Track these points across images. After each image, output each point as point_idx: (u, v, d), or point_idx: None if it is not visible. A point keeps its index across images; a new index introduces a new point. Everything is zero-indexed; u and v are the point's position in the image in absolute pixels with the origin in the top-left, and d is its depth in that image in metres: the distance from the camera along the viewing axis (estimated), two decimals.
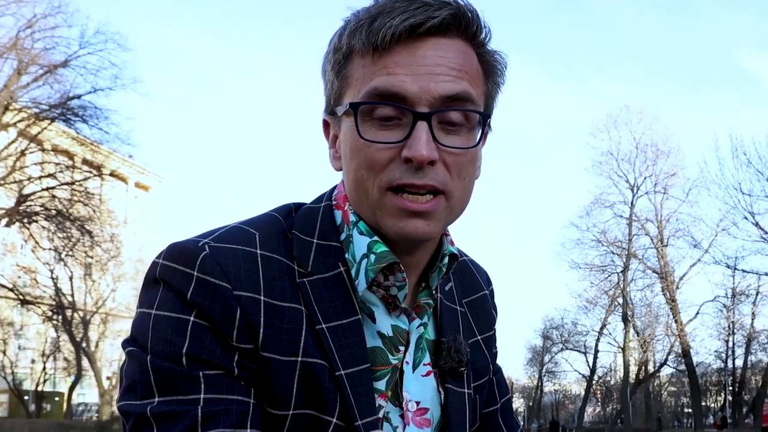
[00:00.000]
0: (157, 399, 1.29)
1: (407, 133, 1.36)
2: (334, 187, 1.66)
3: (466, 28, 1.43)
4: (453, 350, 1.60)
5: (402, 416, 1.55)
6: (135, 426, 1.30)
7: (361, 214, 1.54)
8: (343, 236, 1.57)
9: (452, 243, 1.67)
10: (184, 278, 1.36)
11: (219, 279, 1.35)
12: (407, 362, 1.60)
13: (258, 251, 1.43)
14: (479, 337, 1.85)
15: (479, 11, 1.45)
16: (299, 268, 1.48)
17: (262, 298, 1.38)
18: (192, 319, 1.33)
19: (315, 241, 1.53)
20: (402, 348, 1.58)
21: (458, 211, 1.55)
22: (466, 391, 1.69)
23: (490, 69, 1.53)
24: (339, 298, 1.48)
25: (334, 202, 1.62)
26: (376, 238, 1.50)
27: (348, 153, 1.48)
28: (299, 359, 1.39)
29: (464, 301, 1.85)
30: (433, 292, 1.67)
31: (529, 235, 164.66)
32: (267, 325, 1.37)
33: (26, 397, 73.09)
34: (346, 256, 1.54)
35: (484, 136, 1.57)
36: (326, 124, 1.62)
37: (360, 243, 1.52)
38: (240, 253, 1.41)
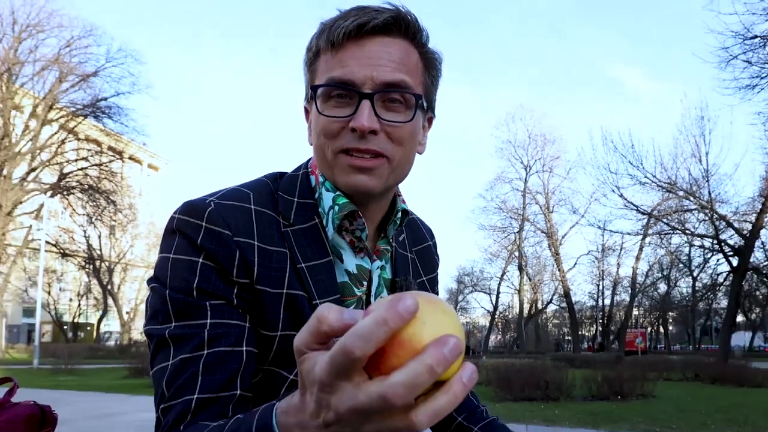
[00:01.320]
0: (173, 324, 1.39)
1: (354, 109, 1.47)
2: (310, 158, 1.76)
3: (407, 29, 1.53)
4: (405, 288, 1.74)
5: None
6: (156, 345, 1.41)
7: (323, 173, 1.64)
8: (316, 195, 1.65)
9: (404, 202, 1.77)
10: (195, 228, 1.44)
11: (222, 228, 1.44)
12: (372, 296, 1.71)
13: (252, 207, 1.53)
14: (425, 278, 1.98)
15: (417, 17, 1.57)
16: (284, 221, 1.57)
17: (255, 243, 1.48)
18: (201, 260, 1.42)
19: (295, 200, 1.62)
20: (365, 283, 1.69)
21: (400, 173, 1.63)
22: None
23: (428, 64, 1.62)
24: (315, 243, 1.57)
25: (309, 169, 1.72)
26: (338, 193, 1.59)
27: (313, 126, 1.59)
28: (285, 291, 1.49)
29: (414, 250, 1.96)
30: (390, 241, 1.77)
31: (447, 205, 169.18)
32: (260, 264, 1.47)
33: (65, 327, 76.56)
34: (319, 210, 1.63)
35: (427, 121, 1.76)
36: (306, 111, 1.71)
37: (327, 198, 1.61)
38: (238, 208, 1.51)
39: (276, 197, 1.62)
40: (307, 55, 1.62)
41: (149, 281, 1.51)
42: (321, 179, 1.64)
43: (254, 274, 1.46)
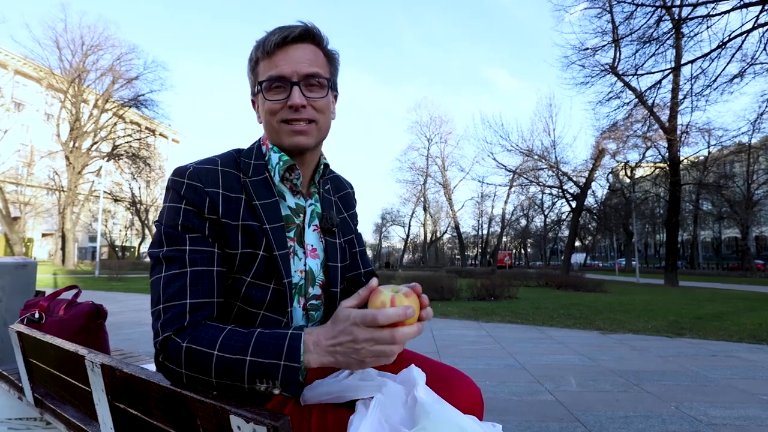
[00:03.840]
0: (165, 248, 1.43)
1: (288, 93, 1.54)
2: (261, 137, 1.74)
3: (313, 38, 1.59)
4: (327, 219, 1.75)
5: (304, 253, 1.68)
6: (154, 263, 1.45)
7: (271, 141, 1.65)
8: (266, 158, 1.66)
9: (325, 158, 1.78)
10: (180, 184, 1.48)
11: (197, 183, 1.48)
12: (306, 224, 1.72)
13: (219, 168, 1.55)
14: (346, 214, 1.98)
15: (320, 29, 1.62)
16: (243, 176, 1.59)
17: (221, 191, 1.50)
18: (183, 206, 1.46)
19: (252, 161, 1.64)
20: (301, 215, 1.70)
21: (324, 133, 1.67)
22: (337, 241, 1.81)
23: (330, 59, 1.66)
24: (266, 189, 1.60)
25: (261, 142, 1.71)
26: (282, 153, 1.62)
27: (262, 109, 1.62)
28: (240, 223, 1.51)
29: (336, 196, 1.95)
30: (318, 186, 1.79)
31: (377, 165, 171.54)
32: (223, 205, 1.49)
33: (116, 248, 77.43)
34: (268, 167, 1.64)
35: (334, 97, 1.75)
36: (253, 102, 1.71)
37: (275, 157, 1.63)
38: (209, 169, 1.53)
39: (239, 161, 1.65)
40: (250, 65, 1.67)
41: (154, 222, 1.55)
42: (270, 146, 1.68)
43: (219, 212, 1.49)
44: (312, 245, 1.74)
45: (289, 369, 1.21)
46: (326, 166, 1.80)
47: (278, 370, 1.21)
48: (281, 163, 1.64)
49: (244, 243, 1.53)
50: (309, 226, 1.75)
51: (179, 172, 1.53)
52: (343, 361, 1.24)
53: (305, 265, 1.70)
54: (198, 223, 1.47)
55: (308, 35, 1.60)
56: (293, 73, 1.56)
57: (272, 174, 1.66)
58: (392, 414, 1.29)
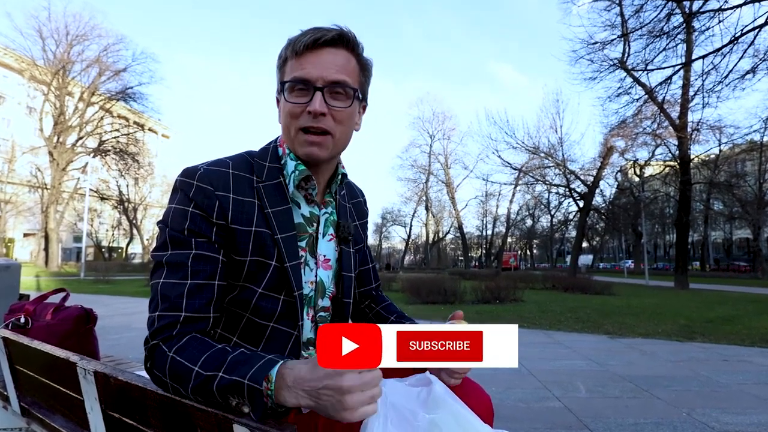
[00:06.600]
0: (169, 252, 1.44)
1: (310, 98, 1.53)
2: (278, 136, 1.75)
3: (347, 43, 1.59)
4: (344, 227, 1.79)
5: (316, 263, 1.71)
6: (156, 265, 1.46)
7: (288, 146, 1.66)
8: (282, 162, 1.67)
9: (343, 167, 1.81)
10: (189, 185, 1.49)
11: (207, 185, 1.48)
12: (320, 233, 1.75)
13: (230, 171, 1.56)
14: (357, 222, 2.00)
15: (355, 34, 1.62)
16: (257, 179, 1.60)
17: (231, 195, 1.51)
18: (191, 209, 1.47)
19: (266, 164, 1.65)
20: (315, 224, 1.73)
21: (341, 145, 1.67)
22: (351, 250, 1.85)
23: (363, 67, 1.67)
24: (279, 195, 1.62)
25: (277, 143, 1.72)
26: (299, 162, 1.64)
27: (282, 110, 1.63)
28: (253, 229, 1.52)
29: (350, 202, 1.98)
30: (334, 194, 1.82)
31: (377, 162, 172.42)
32: (233, 210, 1.50)
33: (103, 249, 77.24)
34: (284, 172, 1.66)
35: (362, 108, 1.77)
36: (277, 100, 1.69)
37: (291, 165, 1.64)
38: (220, 172, 1.54)
39: (252, 162, 1.65)
40: (279, 62, 1.65)
41: (158, 223, 1.55)
42: (287, 151, 1.68)
43: (229, 217, 1.50)
44: (325, 255, 1.77)
45: (254, 390, 1.16)
46: (343, 176, 1.83)
47: (244, 388, 1.17)
48: (297, 172, 1.65)
49: (254, 251, 1.54)
50: (324, 236, 1.77)
51: (189, 173, 1.53)
52: (325, 406, 1.11)
53: (316, 276, 1.73)
54: (205, 228, 1.48)
55: (342, 40, 1.60)
56: (319, 78, 1.55)
57: (287, 180, 1.66)
58: (404, 404, 1.30)
